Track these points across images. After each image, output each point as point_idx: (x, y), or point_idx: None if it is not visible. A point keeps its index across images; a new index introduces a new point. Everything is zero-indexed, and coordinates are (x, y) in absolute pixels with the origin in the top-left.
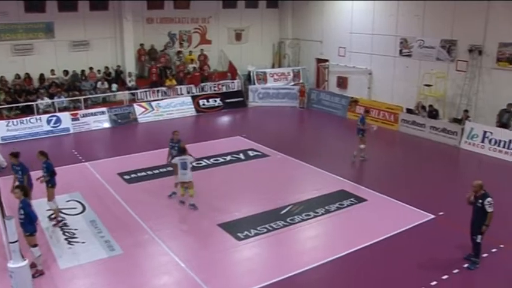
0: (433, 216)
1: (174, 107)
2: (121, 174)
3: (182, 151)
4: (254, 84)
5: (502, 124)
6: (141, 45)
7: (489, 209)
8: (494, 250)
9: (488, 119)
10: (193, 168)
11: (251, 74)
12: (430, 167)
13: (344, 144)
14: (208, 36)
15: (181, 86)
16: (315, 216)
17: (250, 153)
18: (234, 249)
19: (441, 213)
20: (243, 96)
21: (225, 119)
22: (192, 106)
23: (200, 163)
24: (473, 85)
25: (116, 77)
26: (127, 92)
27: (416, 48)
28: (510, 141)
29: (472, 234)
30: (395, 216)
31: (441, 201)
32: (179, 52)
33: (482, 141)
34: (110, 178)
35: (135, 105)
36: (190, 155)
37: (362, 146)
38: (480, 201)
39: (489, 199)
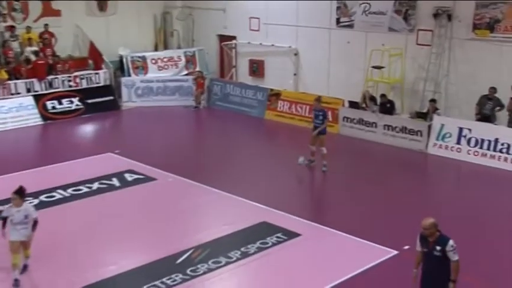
0: (396, 252)
1: (7, 113)
2: None
3: None
4: (129, 75)
5: (484, 116)
6: None
7: (454, 257)
8: None
9: (464, 110)
10: (42, 205)
11: (124, 60)
12: (386, 184)
13: (263, 156)
14: (56, 5)
15: (18, 81)
16: (227, 264)
17: (128, 176)
18: None
19: (407, 247)
20: (114, 93)
21: (87, 129)
22: (36, 111)
23: (53, 196)
24: (442, 64)
25: None
26: None
27: (360, 16)
28: (496, 140)
29: None
30: (343, 255)
31: (405, 231)
32: (11, 28)
33: (458, 142)
34: None
35: None
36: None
37: (323, 151)
38: (438, 247)
39: (451, 242)
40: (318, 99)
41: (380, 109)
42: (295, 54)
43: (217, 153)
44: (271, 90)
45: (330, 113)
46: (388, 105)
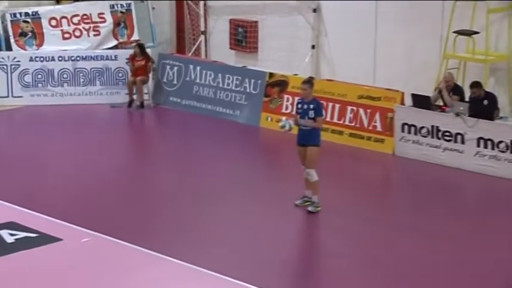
0: None
1: None
2: None
3: None
4: (9, 48)
5: None
6: None
7: None
8: None
9: None
10: None
11: None
12: (482, 250)
13: (253, 198)
14: None
15: None
16: None
17: (7, 235)
18: None
19: None
20: None
21: None
22: None
23: None
24: None
25: None
26: None
27: None
28: None
29: None
30: None
31: None
32: None
33: None
34: None
35: None
36: None
37: (312, 176)
38: None
39: None
40: (308, 81)
41: (470, 109)
42: (315, 11)
43: (171, 194)
44: (271, 75)
45: (378, 118)
46: (486, 101)
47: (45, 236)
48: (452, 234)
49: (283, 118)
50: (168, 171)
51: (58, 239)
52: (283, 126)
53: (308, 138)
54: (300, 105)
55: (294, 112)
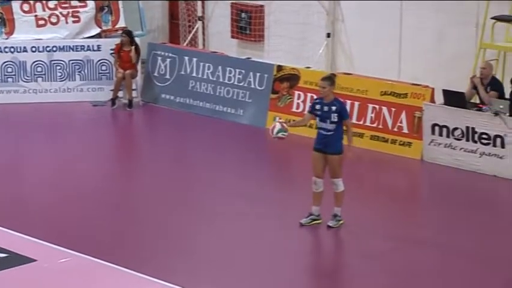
0: None
1: None
2: None
3: None
4: None
5: None
6: None
7: None
8: None
9: None
10: None
11: None
12: None
13: (260, 215)
14: None
15: None
16: None
17: None
18: None
19: None
20: None
21: None
22: None
23: None
24: None
25: None
26: None
27: None
28: None
29: None
30: None
31: None
32: None
33: None
34: None
35: None
36: None
37: (338, 186)
38: None
39: None
40: (329, 78)
41: (511, 107)
42: None
43: (163, 208)
44: (279, 69)
45: (404, 117)
46: None
47: (16, 256)
48: (491, 254)
49: (276, 122)
50: (160, 182)
51: (31, 260)
52: (278, 132)
53: (329, 144)
54: (318, 107)
55: (305, 112)
